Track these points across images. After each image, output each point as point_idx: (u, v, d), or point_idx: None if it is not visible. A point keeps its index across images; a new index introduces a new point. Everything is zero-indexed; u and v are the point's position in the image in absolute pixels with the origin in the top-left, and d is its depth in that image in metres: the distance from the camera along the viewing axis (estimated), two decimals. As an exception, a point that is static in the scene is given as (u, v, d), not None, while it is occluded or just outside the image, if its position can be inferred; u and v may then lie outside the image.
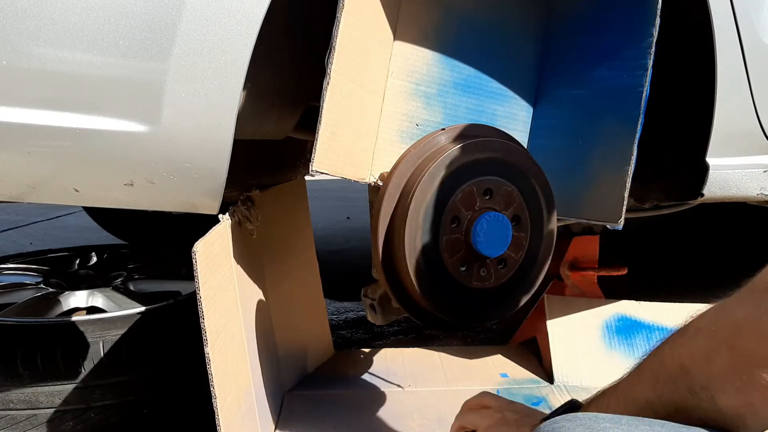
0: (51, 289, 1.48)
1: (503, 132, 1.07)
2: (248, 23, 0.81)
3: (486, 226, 0.93)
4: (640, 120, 0.97)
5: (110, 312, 1.34)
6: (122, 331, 1.21)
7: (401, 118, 1.06)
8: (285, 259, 1.36)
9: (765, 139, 1.28)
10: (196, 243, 0.85)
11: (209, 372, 0.85)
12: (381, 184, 1.00)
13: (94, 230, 2.46)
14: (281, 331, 1.31)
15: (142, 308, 1.27)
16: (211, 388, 0.86)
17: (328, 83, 0.85)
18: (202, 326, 0.85)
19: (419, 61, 1.06)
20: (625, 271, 1.55)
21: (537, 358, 1.51)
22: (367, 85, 0.99)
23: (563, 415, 0.65)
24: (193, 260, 0.84)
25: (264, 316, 1.24)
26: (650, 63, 0.95)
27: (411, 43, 1.05)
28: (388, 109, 1.05)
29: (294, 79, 1.11)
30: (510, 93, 1.16)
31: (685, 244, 3.04)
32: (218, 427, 0.87)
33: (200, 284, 0.85)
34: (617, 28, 1.03)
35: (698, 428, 0.65)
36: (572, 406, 0.76)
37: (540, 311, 1.49)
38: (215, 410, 0.87)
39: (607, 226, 1.03)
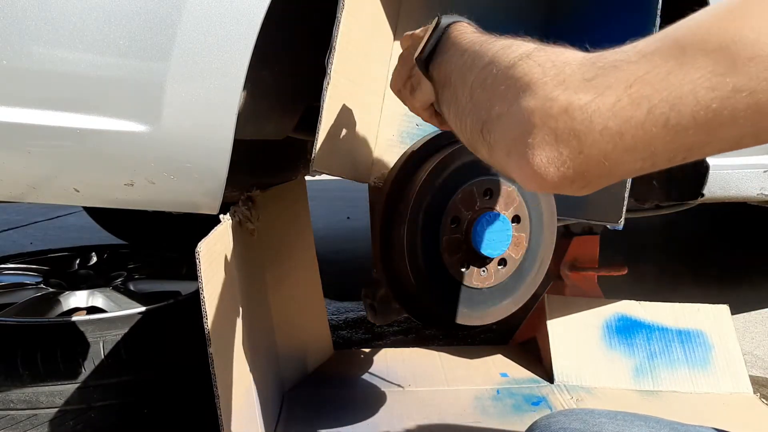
0: (51, 289, 1.47)
1: (503, 132, 1.07)
2: (248, 23, 0.81)
3: (486, 226, 0.93)
4: (640, 120, 0.96)
5: (110, 312, 1.34)
6: (122, 331, 1.21)
7: (401, 118, 1.06)
8: (285, 259, 1.36)
9: (765, 139, 1.28)
10: (200, 243, 0.85)
11: (212, 372, 0.85)
12: (381, 184, 1.00)
13: (94, 230, 2.46)
14: (281, 331, 1.31)
15: (143, 308, 1.27)
16: (214, 388, 0.85)
17: (328, 83, 0.86)
18: (205, 326, 0.84)
19: (419, 61, 1.06)
20: (625, 271, 1.54)
21: (537, 358, 1.51)
22: (368, 86, 0.98)
23: (560, 410, 0.64)
24: (197, 260, 0.84)
25: (264, 316, 1.24)
26: (650, 63, 0.95)
27: (411, 43, 1.05)
28: (388, 109, 1.05)
29: (294, 79, 1.11)
30: (510, 93, 1.15)
31: (685, 244, 3.05)
32: (221, 427, 0.87)
33: (203, 284, 0.84)
34: (617, 28, 1.03)
35: (696, 425, 0.65)
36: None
37: (540, 311, 1.49)
38: (218, 410, 0.86)
39: (608, 226, 1.03)
